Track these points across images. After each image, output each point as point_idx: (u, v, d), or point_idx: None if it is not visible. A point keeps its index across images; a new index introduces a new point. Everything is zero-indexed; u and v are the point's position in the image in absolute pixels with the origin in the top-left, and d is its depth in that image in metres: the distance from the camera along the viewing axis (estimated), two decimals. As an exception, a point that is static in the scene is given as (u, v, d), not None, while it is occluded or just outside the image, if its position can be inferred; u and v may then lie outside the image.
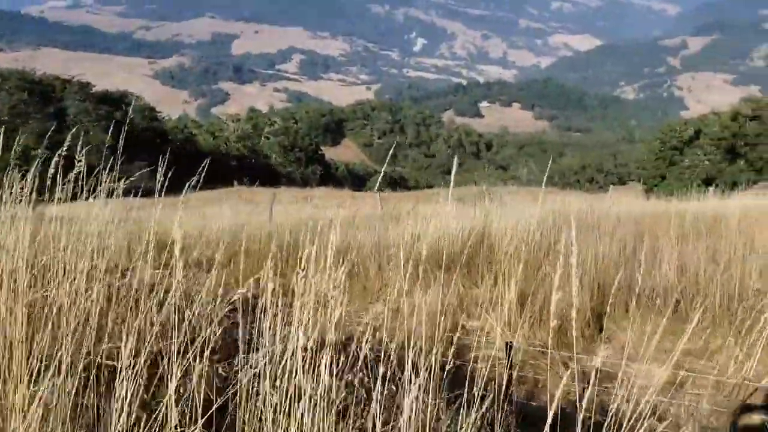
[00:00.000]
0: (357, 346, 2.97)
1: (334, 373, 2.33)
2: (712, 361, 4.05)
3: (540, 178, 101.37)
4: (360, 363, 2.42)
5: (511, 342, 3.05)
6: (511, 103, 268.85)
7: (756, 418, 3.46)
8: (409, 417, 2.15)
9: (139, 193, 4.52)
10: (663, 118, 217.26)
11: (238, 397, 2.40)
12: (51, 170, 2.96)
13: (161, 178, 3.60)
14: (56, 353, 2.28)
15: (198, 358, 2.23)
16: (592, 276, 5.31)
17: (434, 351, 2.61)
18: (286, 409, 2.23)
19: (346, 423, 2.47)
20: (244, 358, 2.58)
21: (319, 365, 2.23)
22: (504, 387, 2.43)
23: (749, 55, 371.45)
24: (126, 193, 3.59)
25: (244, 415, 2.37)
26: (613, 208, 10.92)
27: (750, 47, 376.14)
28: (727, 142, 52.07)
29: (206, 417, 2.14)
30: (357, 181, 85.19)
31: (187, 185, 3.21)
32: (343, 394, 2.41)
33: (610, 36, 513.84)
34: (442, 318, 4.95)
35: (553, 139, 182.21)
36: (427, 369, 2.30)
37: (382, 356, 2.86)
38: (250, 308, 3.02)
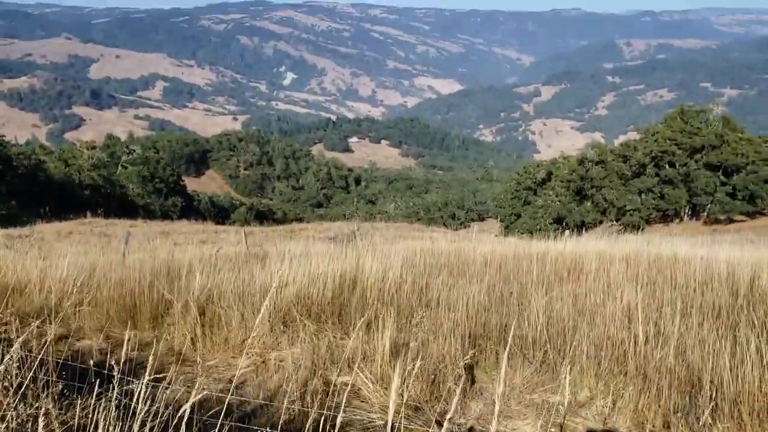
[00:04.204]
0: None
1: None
2: (580, 414, 4.08)
3: (407, 212, 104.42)
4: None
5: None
6: (380, 140, 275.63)
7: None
8: None
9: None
10: (518, 159, 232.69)
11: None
12: None
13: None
14: None
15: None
16: (463, 323, 5.27)
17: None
18: None
19: None
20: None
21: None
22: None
23: (594, 104, 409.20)
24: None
25: None
26: (478, 248, 11.22)
27: (594, 96, 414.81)
28: (575, 184, 56.40)
29: None
30: (221, 213, 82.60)
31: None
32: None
33: (470, 81, 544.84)
34: (311, 374, 4.66)
35: (418, 176, 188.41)
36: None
37: None
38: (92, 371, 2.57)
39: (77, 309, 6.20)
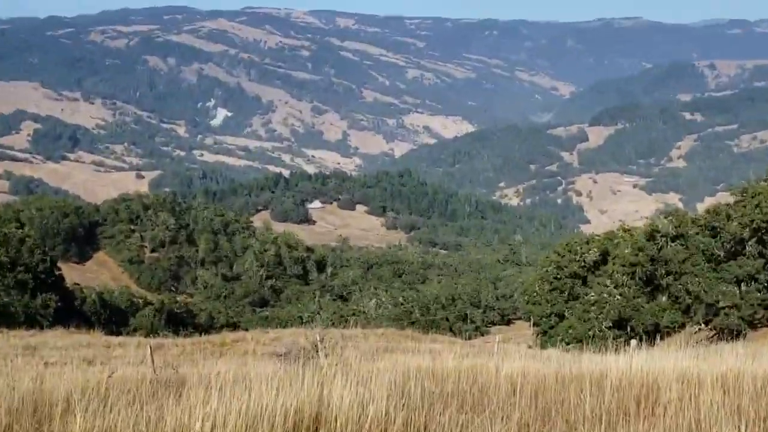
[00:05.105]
0: None
1: None
2: None
3: (395, 313, 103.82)
4: None
5: None
6: (354, 205, 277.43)
7: None
8: None
9: None
10: (557, 233, 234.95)
11: None
12: None
13: None
14: None
15: None
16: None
17: None
18: None
19: None
20: None
21: None
22: None
23: (666, 152, 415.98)
24: None
25: None
26: (503, 367, 11.16)
27: (666, 142, 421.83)
28: (643, 269, 56.59)
29: None
30: (116, 317, 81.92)
31: None
32: None
33: (485, 120, 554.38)
34: None
35: (412, 258, 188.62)
36: None
37: None
38: None
39: None
